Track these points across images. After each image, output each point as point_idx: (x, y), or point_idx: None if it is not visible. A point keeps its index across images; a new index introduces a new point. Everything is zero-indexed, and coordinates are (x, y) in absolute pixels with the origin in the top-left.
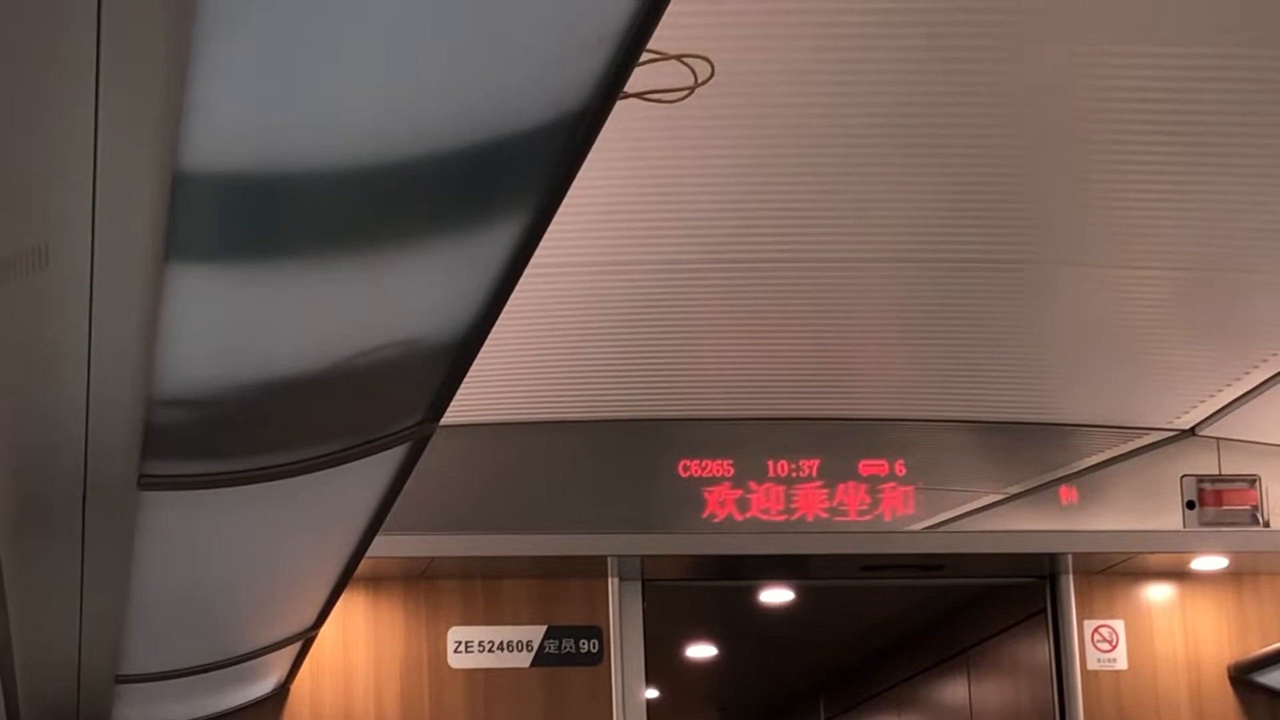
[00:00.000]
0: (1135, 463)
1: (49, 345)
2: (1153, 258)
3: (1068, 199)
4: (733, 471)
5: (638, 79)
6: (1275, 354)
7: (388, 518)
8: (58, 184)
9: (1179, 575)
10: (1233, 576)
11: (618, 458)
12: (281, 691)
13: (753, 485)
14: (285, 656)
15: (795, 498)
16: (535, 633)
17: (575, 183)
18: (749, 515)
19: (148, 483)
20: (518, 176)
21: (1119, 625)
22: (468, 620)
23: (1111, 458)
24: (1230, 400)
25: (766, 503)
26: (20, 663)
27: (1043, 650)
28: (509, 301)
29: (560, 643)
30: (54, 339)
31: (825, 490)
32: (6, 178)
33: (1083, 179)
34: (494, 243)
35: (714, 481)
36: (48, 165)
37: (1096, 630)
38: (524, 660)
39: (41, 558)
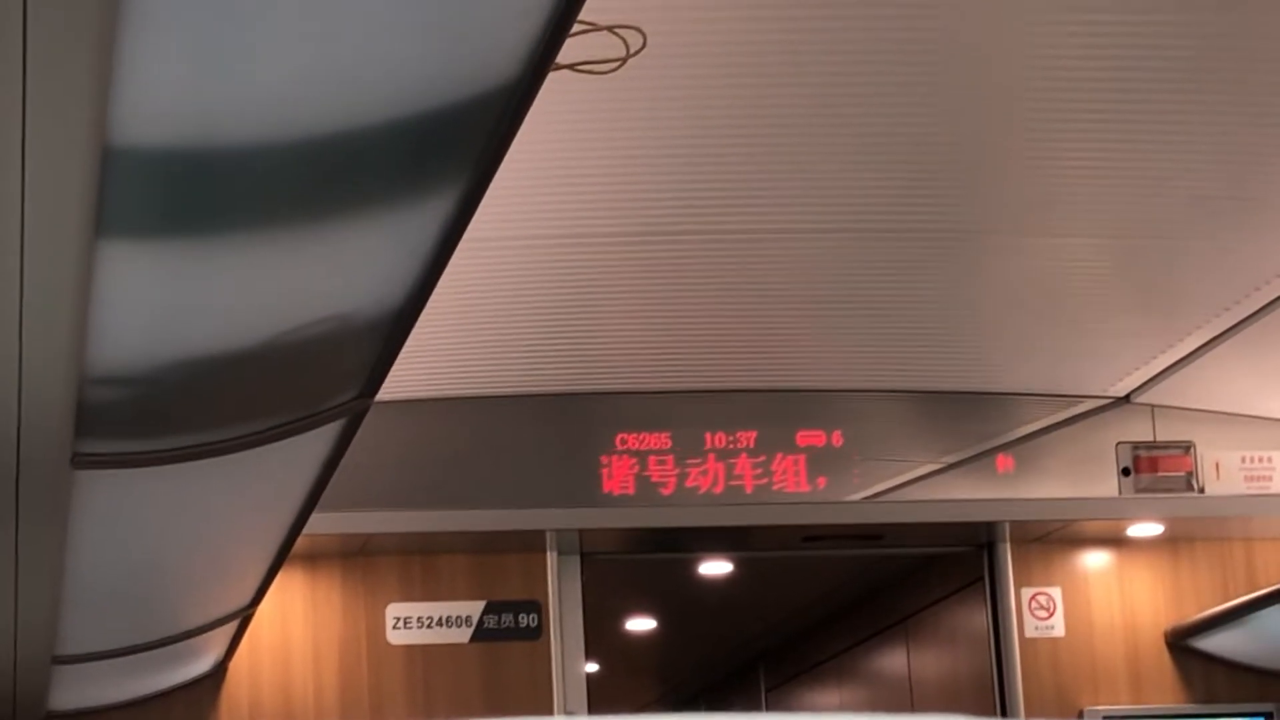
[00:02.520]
0: (1071, 430)
1: None
2: (1087, 226)
3: (1001, 168)
4: (670, 444)
5: (569, 50)
6: (1208, 320)
7: (324, 494)
8: None
9: (1115, 542)
10: (1168, 543)
11: (555, 432)
12: (219, 670)
13: (690, 458)
14: (223, 635)
15: (733, 469)
16: (474, 608)
17: (508, 155)
18: (687, 488)
19: (82, 461)
20: (450, 149)
21: (1056, 592)
22: (406, 596)
23: (1047, 426)
24: (1164, 367)
25: (704, 475)
26: None
27: (980, 618)
28: (443, 275)
29: (499, 618)
30: None
31: (763, 462)
32: None
33: (1015, 148)
34: (427, 216)
35: (652, 454)
36: None
37: (1034, 598)
38: (463, 636)
39: None
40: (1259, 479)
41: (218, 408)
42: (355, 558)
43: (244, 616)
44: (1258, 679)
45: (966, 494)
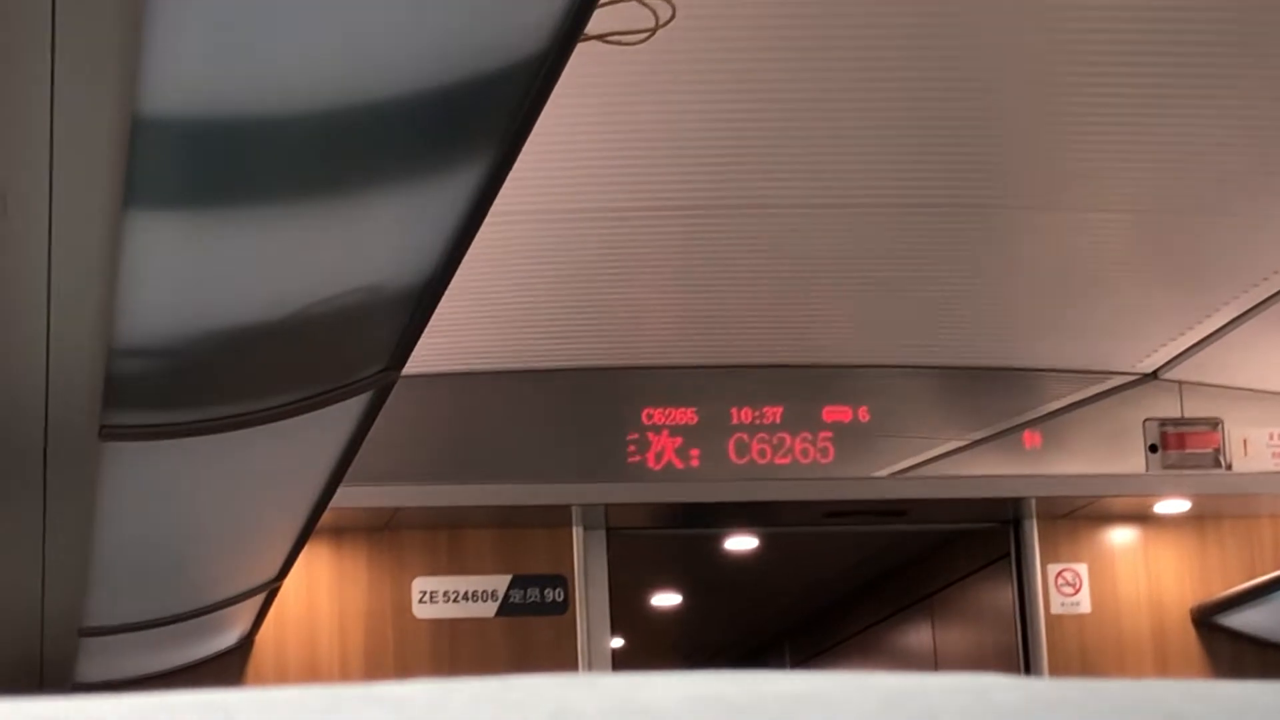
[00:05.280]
0: (1098, 407)
1: (8, 296)
2: (1115, 201)
3: (1029, 142)
4: (696, 419)
5: (598, 20)
6: (1237, 297)
7: (351, 468)
8: (15, 132)
9: (1142, 519)
10: (1195, 519)
11: (581, 406)
12: (246, 643)
13: (716, 433)
14: (249, 608)
15: (759, 445)
16: (500, 582)
17: (536, 128)
18: (713, 463)
19: (109, 433)
20: (478, 121)
21: (1082, 569)
22: (432, 571)
23: (1074, 402)
24: (1192, 343)
25: (730, 450)
26: None
27: (1006, 594)
28: (470, 249)
29: (525, 592)
30: (13, 289)
31: (789, 437)
32: None
33: (1043, 122)
34: (455, 188)
35: (678, 429)
36: (3, 114)
37: (1060, 574)
38: (489, 610)
39: (3, 512)
40: None
41: (245, 380)
42: (381, 531)
43: (271, 590)
44: None
45: (993, 470)
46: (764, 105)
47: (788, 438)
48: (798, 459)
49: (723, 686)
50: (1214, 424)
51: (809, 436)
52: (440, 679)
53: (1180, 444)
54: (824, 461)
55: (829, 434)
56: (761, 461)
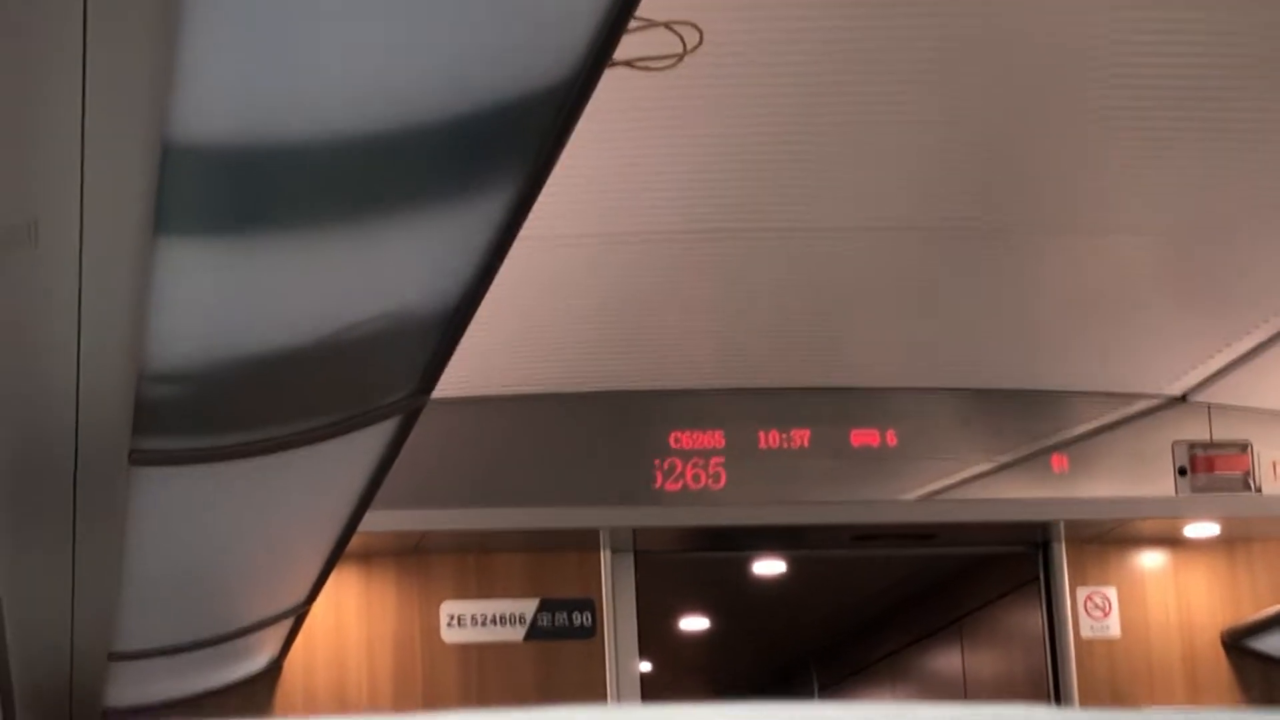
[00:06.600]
0: (1127, 429)
1: (38, 323)
2: (1144, 223)
3: (1057, 165)
4: (724, 443)
5: (625, 46)
6: (1267, 319)
7: (379, 493)
8: (45, 159)
9: (1171, 542)
10: (1225, 543)
11: (609, 430)
12: (275, 668)
13: (744, 456)
14: (278, 632)
15: (787, 468)
16: (528, 606)
17: (564, 153)
18: (741, 486)
19: (139, 458)
20: (507, 146)
21: (1112, 592)
22: (460, 595)
23: (1103, 425)
24: (1221, 366)
25: (758, 473)
26: (13, 643)
27: (1035, 618)
28: (499, 273)
29: (553, 616)
30: (43, 317)
31: (816, 461)
32: None
33: (1072, 144)
34: (484, 213)
35: (705, 453)
36: (34, 141)
37: (1089, 598)
38: (517, 634)
39: (33, 537)
40: None
41: (274, 404)
42: (410, 555)
43: (299, 614)
44: None
45: (1021, 493)
46: (791, 130)
47: (815, 461)
48: (825, 482)
49: (754, 717)
50: (1243, 447)
51: (837, 460)
52: (470, 710)
53: (1209, 467)
54: (852, 485)
55: (858, 457)
56: (790, 485)
